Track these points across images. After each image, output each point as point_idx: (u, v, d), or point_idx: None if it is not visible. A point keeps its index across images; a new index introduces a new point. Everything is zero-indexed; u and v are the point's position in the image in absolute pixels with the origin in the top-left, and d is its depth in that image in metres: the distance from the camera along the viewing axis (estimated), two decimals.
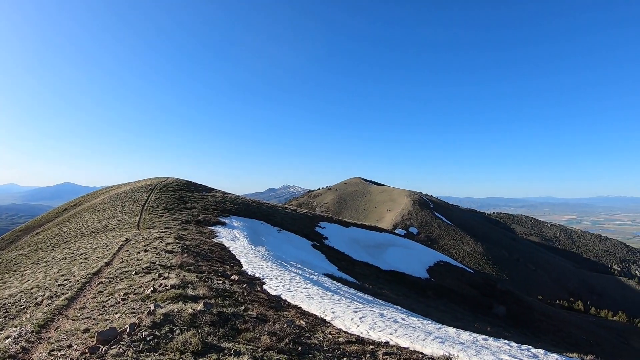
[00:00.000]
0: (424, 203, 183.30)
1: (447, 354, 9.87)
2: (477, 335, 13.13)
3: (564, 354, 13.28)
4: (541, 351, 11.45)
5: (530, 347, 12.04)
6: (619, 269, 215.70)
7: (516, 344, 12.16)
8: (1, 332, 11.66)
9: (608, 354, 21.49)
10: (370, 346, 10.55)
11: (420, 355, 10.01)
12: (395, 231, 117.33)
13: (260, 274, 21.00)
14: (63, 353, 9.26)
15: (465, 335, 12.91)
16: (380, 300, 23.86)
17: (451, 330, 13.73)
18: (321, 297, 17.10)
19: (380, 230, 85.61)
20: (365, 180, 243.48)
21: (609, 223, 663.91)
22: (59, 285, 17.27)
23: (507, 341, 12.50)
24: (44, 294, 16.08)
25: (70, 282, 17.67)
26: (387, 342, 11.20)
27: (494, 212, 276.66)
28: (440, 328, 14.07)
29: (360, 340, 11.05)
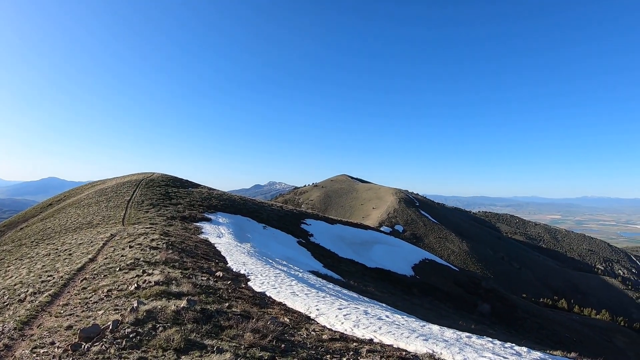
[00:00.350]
0: (410, 201, 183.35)
1: (431, 352, 9.90)
2: (460, 332, 13.18)
3: (548, 351, 13.37)
4: (524, 349, 11.50)
5: (513, 344, 12.09)
6: (603, 268, 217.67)
7: (499, 342, 12.21)
8: None
9: (591, 352, 21.71)
10: (354, 343, 10.56)
11: (404, 353, 10.01)
12: (381, 229, 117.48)
13: (245, 270, 21.00)
14: (46, 350, 9.22)
15: (449, 333, 12.96)
16: (365, 298, 23.94)
17: (435, 328, 13.79)
18: (306, 294, 17.12)
19: (366, 227, 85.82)
20: (352, 177, 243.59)
21: (593, 223, 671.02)
22: (42, 282, 17.17)
23: (490, 339, 12.54)
24: (27, 291, 15.99)
25: (53, 278, 17.57)
26: (371, 340, 11.22)
27: (479, 211, 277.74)
28: (424, 326, 14.12)
29: (344, 338, 11.05)
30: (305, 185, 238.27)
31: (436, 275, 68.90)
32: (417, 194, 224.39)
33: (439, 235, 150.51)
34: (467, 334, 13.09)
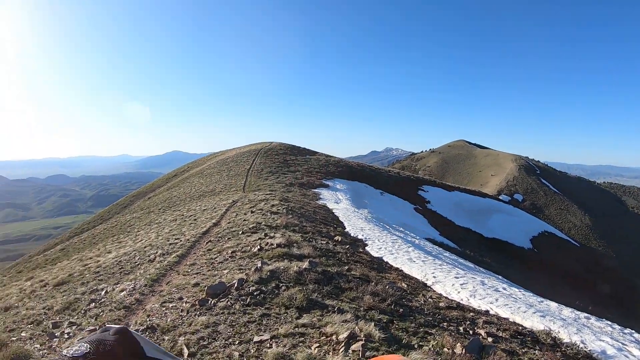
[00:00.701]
0: (531, 168, 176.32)
1: (548, 329, 9.69)
2: (579, 312, 12.80)
3: None
4: None
5: (633, 331, 11.62)
6: None
7: (619, 327, 11.76)
8: (117, 286, 12.37)
9: None
10: (471, 313, 10.55)
11: (520, 328, 9.89)
12: (500, 197, 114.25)
13: (362, 235, 21.20)
14: (174, 305, 9.78)
15: (567, 312, 12.65)
16: (481, 268, 23.66)
17: (553, 305, 13.47)
18: (422, 261, 17.13)
19: (484, 195, 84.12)
20: (470, 143, 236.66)
21: None
22: (170, 244, 18.02)
23: (609, 322, 12.11)
24: (157, 252, 16.83)
25: (180, 241, 18.41)
26: (487, 311, 11.17)
27: (604, 182, 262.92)
28: (541, 301, 13.84)
29: (460, 307, 11.06)
30: (422, 151, 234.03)
31: (555, 250, 66.69)
32: (538, 161, 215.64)
33: (560, 206, 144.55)
34: (586, 314, 12.71)
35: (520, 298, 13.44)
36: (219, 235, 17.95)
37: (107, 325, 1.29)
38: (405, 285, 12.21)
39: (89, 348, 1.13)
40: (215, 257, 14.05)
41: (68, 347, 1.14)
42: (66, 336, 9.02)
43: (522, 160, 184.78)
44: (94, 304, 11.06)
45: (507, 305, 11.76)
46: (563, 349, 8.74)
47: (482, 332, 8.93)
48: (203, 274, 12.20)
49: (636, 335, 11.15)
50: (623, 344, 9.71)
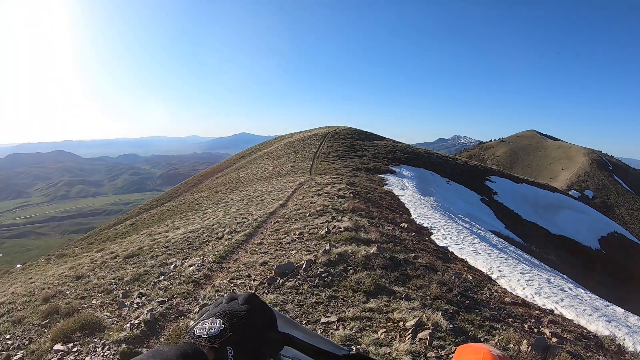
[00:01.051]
0: (603, 164, 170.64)
1: (613, 335, 9.56)
2: None
3: None
4: None
5: None
6: None
7: None
8: (186, 261, 12.67)
9: None
10: (536, 311, 10.48)
11: (585, 331, 9.81)
12: (569, 192, 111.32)
13: (428, 223, 21.14)
14: (242, 282, 10.03)
15: (634, 319, 12.34)
16: (546, 265, 23.28)
17: (619, 311, 13.17)
18: (488, 253, 16.97)
19: (553, 189, 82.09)
20: (540, 134, 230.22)
21: None
22: (237, 223, 18.35)
23: None
24: (224, 230, 17.18)
25: (248, 220, 18.72)
26: (552, 311, 11.06)
27: None
28: (607, 306, 13.53)
29: (525, 304, 10.99)
30: (490, 140, 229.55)
31: (623, 252, 64.60)
32: (612, 156, 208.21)
33: (632, 206, 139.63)
34: None
35: (586, 300, 13.19)
36: (286, 217, 18.20)
37: (234, 293, 1.27)
38: (471, 277, 12.15)
39: (223, 324, 1.08)
40: (283, 238, 14.26)
41: (197, 325, 1.10)
42: (135, 306, 9.40)
43: (595, 155, 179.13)
44: (163, 276, 11.46)
45: (573, 306, 11.59)
46: (627, 358, 8.60)
47: (547, 331, 8.87)
48: (271, 254, 12.41)
49: None
50: None
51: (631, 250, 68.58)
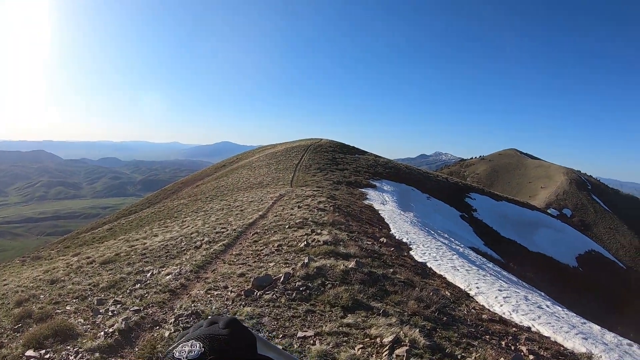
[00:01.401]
0: (582, 183, 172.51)
1: (590, 353, 9.65)
2: (621, 339, 12.61)
3: None
4: None
5: None
6: None
7: None
8: (163, 269, 12.60)
9: None
10: (513, 328, 10.53)
11: (562, 348, 9.87)
12: (548, 211, 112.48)
13: (407, 239, 21.18)
14: (219, 293, 9.98)
15: (610, 337, 12.45)
16: (524, 283, 23.43)
17: (596, 328, 13.28)
18: (467, 270, 17.04)
19: (532, 208, 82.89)
20: (521, 152, 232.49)
21: None
22: (216, 233, 18.33)
23: None
24: (203, 239, 17.15)
25: (227, 230, 18.69)
26: (529, 328, 11.11)
27: None
28: (584, 323, 13.64)
29: (503, 321, 11.03)
30: (471, 158, 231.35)
31: (600, 270, 65.38)
32: (590, 175, 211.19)
33: (610, 225, 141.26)
34: (629, 341, 12.52)
35: (563, 317, 13.28)
36: (266, 228, 18.20)
37: (214, 317, 1.26)
38: (449, 294, 12.20)
39: (203, 347, 1.08)
40: (262, 249, 14.25)
41: (177, 347, 1.09)
42: (110, 314, 9.31)
43: (574, 174, 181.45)
44: (139, 284, 11.39)
45: (550, 323, 11.65)
46: None
47: (524, 348, 8.91)
48: (249, 265, 12.39)
49: None
50: None
51: (608, 268, 69.47)
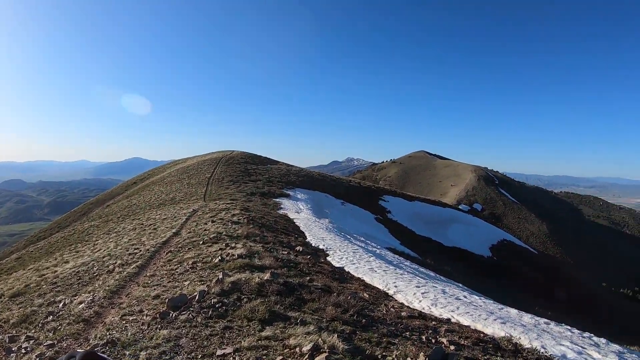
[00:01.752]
0: (489, 179, 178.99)
1: (509, 335, 9.84)
2: (539, 318, 13.06)
3: (627, 346, 13.05)
4: (603, 340, 11.28)
5: (592, 335, 11.88)
6: None
7: (578, 331, 12.02)
8: (75, 298, 12.18)
9: None
10: (433, 322, 10.61)
11: (482, 335, 10.00)
12: (459, 207, 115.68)
13: (324, 245, 21.26)
14: (135, 318, 9.65)
15: (527, 318, 12.87)
16: (442, 277, 23.87)
17: (513, 312, 13.70)
18: (384, 270, 17.23)
19: (444, 205, 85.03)
20: (430, 154, 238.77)
21: None
22: (129, 254, 17.84)
23: (568, 327, 12.37)
24: (116, 262, 16.65)
25: (140, 251, 18.23)
26: (449, 319, 11.27)
27: (561, 192, 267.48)
28: (502, 308, 14.04)
29: (422, 316, 11.13)
30: (383, 162, 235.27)
31: (514, 258, 67.80)
32: (497, 171, 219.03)
33: (519, 215, 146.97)
34: (545, 320, 12.96)
35: (480, 306, 13.61)
36: (179, 246, 17.85)
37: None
38: (367, 296, 12.25)
39: None
40: (176, 268, 13.93)
41: None
42: (24, 351, 8.83)
43: (481, 171, 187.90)
44: (51, 316, 10.87)
45: (469, 313, 11.91)
46: (524, 355, 8.88)
47: (444, 340, 8.99)
48: (164, 286, 12.07)
49: (595, 338, 11.40)
50: (582, 347, 9.92)
51: (520, 254, 71.99)
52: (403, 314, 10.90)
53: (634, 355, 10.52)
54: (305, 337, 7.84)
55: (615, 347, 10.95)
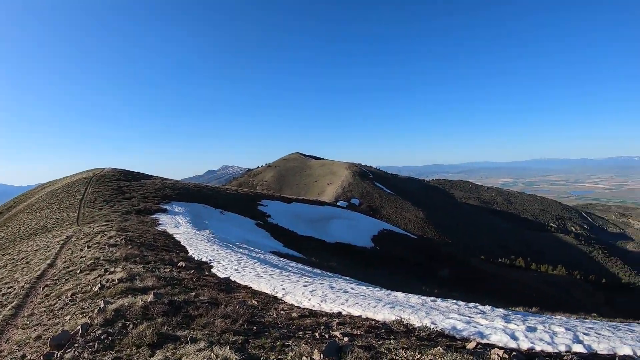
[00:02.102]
0: (364, 174, 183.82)
1: (399, 318, 10.07)
2: (425, 297, 13.53)
3: (510, 308, 13.78)
4: (488, 307, 11.88)
5: (477, 304, 12.46)
6: (556, 226, 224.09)
7: (464, 303, 12.56)
8: None
9: (551, 306, 22.67)
10: (324, 318, 10.69)
11: (373, 322, 10.21)
12: (338, 203, 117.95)
13: (207, 258, 21.03)
14: None
15: (415, 299, 13.26)
16: (328, 273, 24.21)
17: (400, 295, 14.07)
18: (270, 274, 17.25)
19: (323, 203, 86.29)
20: (304, 155, 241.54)
21: (544, 184, 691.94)
22: (2, 295, 16.81)
23: (454, 301, 12.88)
24: None
25: (14, 289, 17.23)
26: (340, 312, 11.40)
27: (433, 179, 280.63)
28: (389, 294, 14.37)
29: (313, 313, 11.19)
30: (258, 167, 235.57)
31: (395, 245, 69.75)
32: (371, 166, 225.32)
33: (395, 205, 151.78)
34: (432, 297, 13.47)
35: (369, 295, 13.88)
36: (56, 277, 17.00)
37: None
38: (256, 302, 12.19)
39: None
40: (55, 303, 13.23)
41: None
42: None
43: (356, 167, 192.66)
44: None
45: (358, 303, 12.10)
46: (416, 333, 9.12)
47: (337, 333, 9.08)
48: (44, 324, 11.43)
49: (481, 307, 12.00)
50: (470, 316, 10.34)
51: (401, 241, 74.30)
52: (294, 314, 10.93)
53: (518, 315, 11.18)
54: (197, 354, 7.68)
55: (500, 311, 11.58)
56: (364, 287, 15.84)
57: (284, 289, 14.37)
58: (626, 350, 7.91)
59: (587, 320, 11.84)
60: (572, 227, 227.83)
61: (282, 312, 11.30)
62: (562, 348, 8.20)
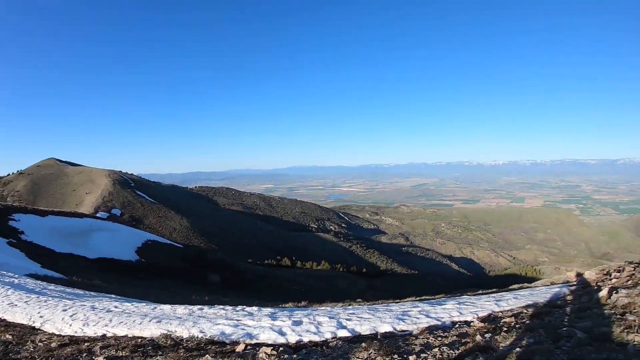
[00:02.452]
0: (125, 182, 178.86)
1: (166, 332, 10.07)
2: (192, 307, 13.63)
3: (280, 305, 14.24)
4: (255, 308, 12.41)
5: (244, 306, 12.89)
6: (316, 226, 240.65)
7: (231, 307, 12.90)
8: None
9: (319, 297, 24.27)
10: (86, 344, 10.24)
11: (140, 340, 10.03)
12: (98, 215, 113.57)
13: None
14: None
15: (181, 310, 13.29)
16: (92, 292, 23.22)
17: (167, 308, 14.01)
18: (26, 302, 16.14)
19: (82, 215, 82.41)
20: (61, 161, 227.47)
21: (303, 189, 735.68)
22: None
23: (222, 306, 13.20)
24: None
25: None
26: (104, 335, 11.07)
27: (196, 186, 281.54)
28: (155, 308, 14.24)
29: (74, 340, 10.69)
30: (9, 174, 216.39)
31: (162, 255, 68.85)
32: (132, 174, 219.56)
33: (159, 214, 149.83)
34: (199, 306, 13.60)
35: (134, 311, 13.65)
36: None
37: None
38: (10, 336, 11.28)
39: None
40: None
41: None
42: None
43: (116, 175, 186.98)
44: None
45: (122, 322, 11.88)
46: (185, 345, 9.16)
47: (101, 358, 8.77)
48: None
49: (248, 309, 12.48)
50: (238, 319, 10.69)
51: (167, 251, 73.63)
52: (53, 344, 10.32)
53: (285, 311, 11.92)
54: None
55: (268, 310, 12.20)
56: (129, 304, 15.48)
57: (41, 316, 13.53)
58: (386, 328, 8.93)
59: (349, 307, 12.87)
60: (331, 227, 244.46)
61: (40, 343, 10.60)
62: (328, 335, 8.81)
